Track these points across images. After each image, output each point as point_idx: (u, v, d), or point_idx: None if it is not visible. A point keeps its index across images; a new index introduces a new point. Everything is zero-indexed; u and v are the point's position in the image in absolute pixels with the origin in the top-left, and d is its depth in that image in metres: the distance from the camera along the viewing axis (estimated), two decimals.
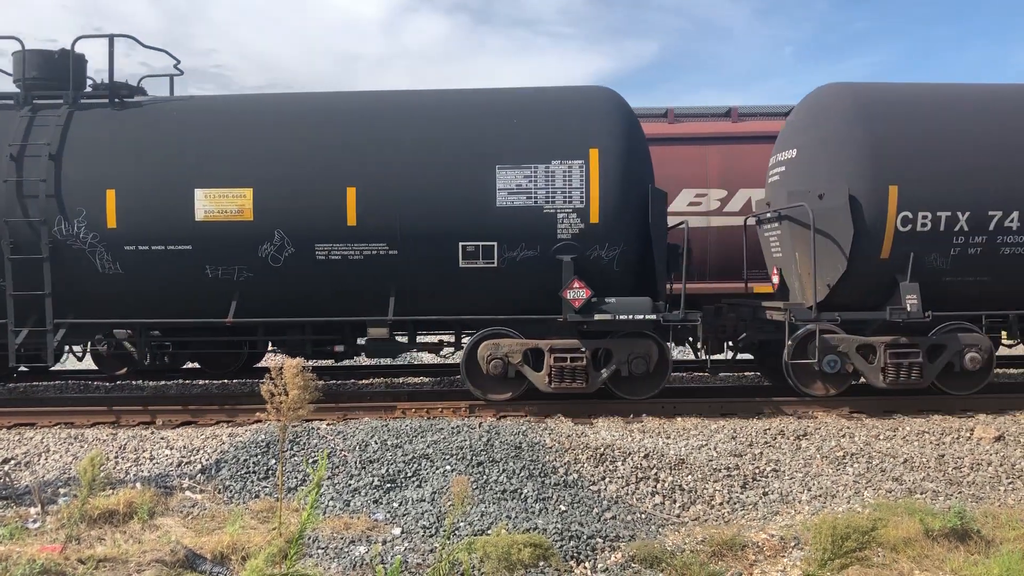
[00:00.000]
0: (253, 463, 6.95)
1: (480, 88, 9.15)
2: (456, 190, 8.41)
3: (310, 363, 5.81)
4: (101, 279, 8.54)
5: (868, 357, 8.71)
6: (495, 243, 8.41)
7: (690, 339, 9.37)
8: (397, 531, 5.82)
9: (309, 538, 5.52)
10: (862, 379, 8.80)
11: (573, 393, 8.69)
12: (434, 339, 9.90)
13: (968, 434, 7.89)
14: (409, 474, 6.74)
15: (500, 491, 6.43)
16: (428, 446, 7.14)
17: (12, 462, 7.21)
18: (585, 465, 7.03)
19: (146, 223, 8.45)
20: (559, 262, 8.36)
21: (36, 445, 7.53)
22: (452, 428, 7.58)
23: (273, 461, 6.94)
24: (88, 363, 11.19)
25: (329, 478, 6.66)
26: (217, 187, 8.44)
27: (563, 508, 6.25)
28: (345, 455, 7.01)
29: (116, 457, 7.25)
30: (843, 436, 7.79)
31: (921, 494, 6.72)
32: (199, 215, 8.44)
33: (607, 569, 5.44)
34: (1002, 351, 12.38)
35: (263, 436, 7.38)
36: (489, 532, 5.70)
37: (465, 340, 9.03)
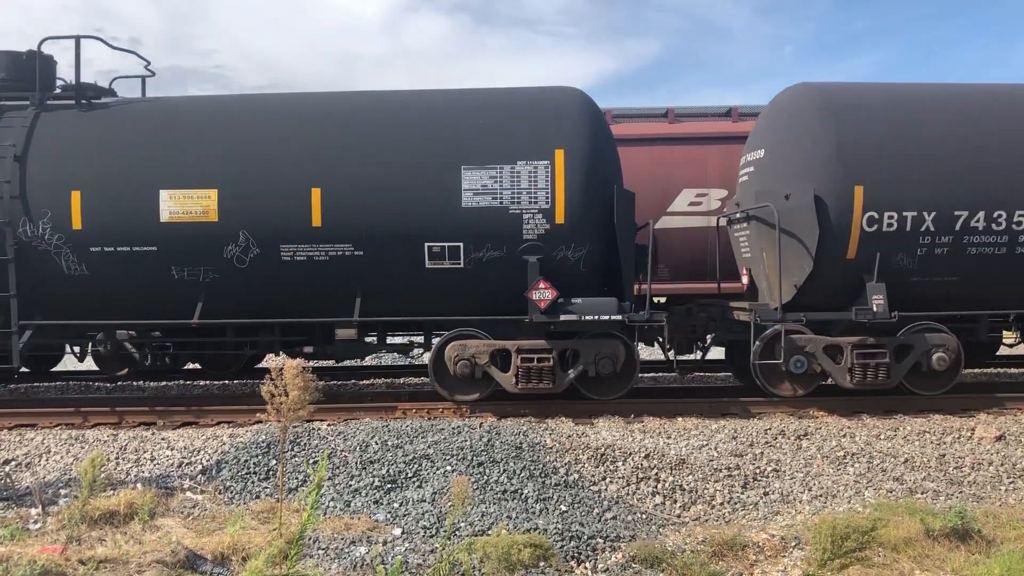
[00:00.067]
0: (254, 464, 6.96)
1: (446, 88, 9.14)
2: (421, 191, 8.39)
3: (310, 363, 5.81)
4: (67, 280, 8.54)
5: (836, 357, 8.70)
6: (461, 244, 8.39)
7: (659, 339, 9.36)
8: (398, 531, 5.82)
9: (310, 539, 5.53)
10: (831, 379, 8.79)
11: (540, 394, 8.68)
12: (405, 340, 9.87)
13: (969, 434, 7.89)
14: (410, 474, 6.74)
15: (501, 491, 6.43)
16: (429, 446, 7.14)
17: (13, 463, 7.22)
18: (586, 465, 7.03)
19: (111, 224, 8.44)
20: (525, 263, 8.36)
21: (37, 446, 7.54)
22: (453, 428, 7.59)
23: (274, 462, 6.94)
24: (89, 364, 11.19)
25: (330, 479, 6.66)
26: (182, 188, 8.43)
27: (564, 508, 6.25)
28: (346, 456, 7.02)
29: (117, 458, 7.26)
30: (844, 436, 7.79)
31: (922, 494, 6.72)
32: (164, 216, 8.42)
33: (608, 569, 5.44)
34: (1003, 351, 12.46)
35: (264, 437, 7.38)
36: (490, 532, 5.70)
37: (436, 341, 9.01)
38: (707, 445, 7.49)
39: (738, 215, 9.65)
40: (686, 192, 11.29)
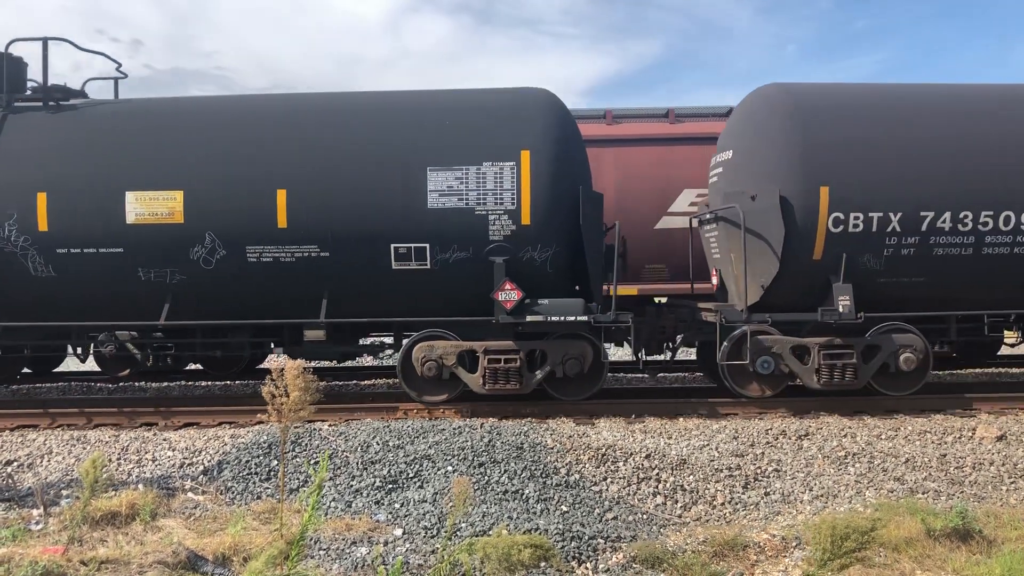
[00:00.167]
0: (255, 464, 6.97)
1: (412, 90, 9.15)
2: (387, 192, 8.39)
3: (311, 364, 5.83)
4: (34, 282, 8.56)
5: (803, 358, 8.70)
6: (427, 245, 8.39)
7: (628, 340, 9.37)
8: (399, 532, 5.83)
9: (311, 539, 5.54)
10: (799, 380, 8.79)
11: (508, 394, 8.69)
12: (375, 341, 9.87)
13: (970, 433, 7.89)
14: (411, 475, 6.75)
15: (501, 492, 6.44)
16: (430, 447, 7.15)
17: (15, 464, 7.23)
18: (587, 465, 7.03)
19: (77, 226, 8.46)
20: (492, 264, 8.36)
21: (39, 447, 7.55)
22: (454, 429, 7.59)
23: (275, 462, 6.95)
24: (91, 364, 11.21)
25: (331, 479, 6.67)
26: (147, 190, 8.44)
27: (564, 508, 6.26)
28: (347, 456, 7.03)
29: (118, 459, 7.27)
30: (845, 436, 7.79)
31: (923, 494, 6.72)
32: (130, 218, 8.44)
33: (608, 569, 5.45)
34: (1004, 351, 12.46)
35: (265, 437, 7.39)
36: (491, 533, 5.71)
37: (404, 342, 8.99)
38: (708, 445, 7.49)
39: (707, 216, 9.66)
40: (687, 192, 11.29)
